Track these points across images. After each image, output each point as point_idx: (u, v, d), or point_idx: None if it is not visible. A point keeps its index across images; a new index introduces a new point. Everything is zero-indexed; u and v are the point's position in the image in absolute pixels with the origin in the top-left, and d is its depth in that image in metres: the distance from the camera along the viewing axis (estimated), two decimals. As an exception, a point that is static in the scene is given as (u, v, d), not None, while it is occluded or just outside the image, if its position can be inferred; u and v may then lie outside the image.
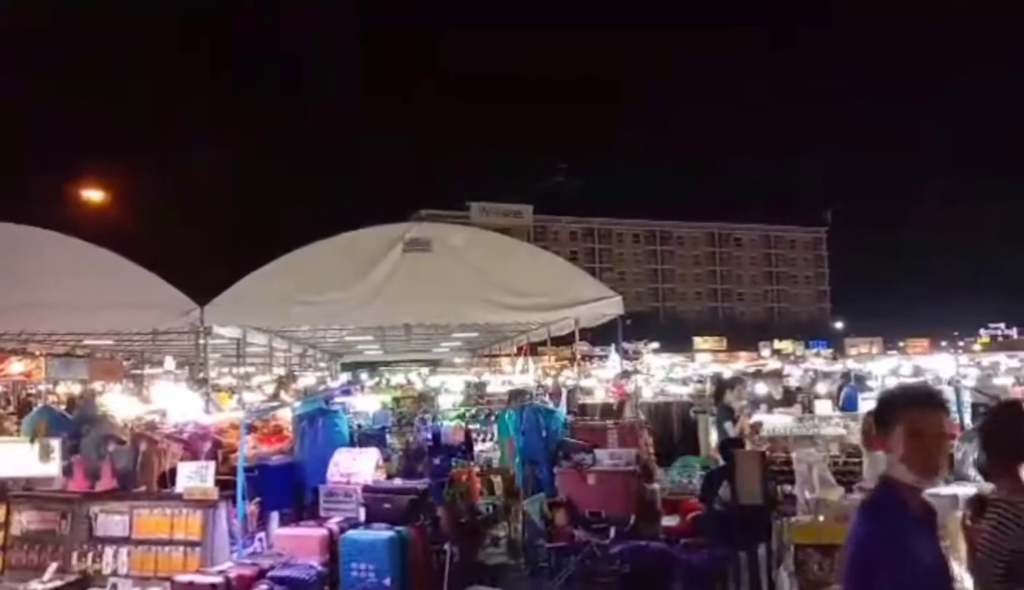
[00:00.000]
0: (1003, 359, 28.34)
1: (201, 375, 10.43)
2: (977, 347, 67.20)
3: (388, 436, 8.80)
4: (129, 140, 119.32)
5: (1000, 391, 9.21)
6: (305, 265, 10.07)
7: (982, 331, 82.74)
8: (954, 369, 17.71)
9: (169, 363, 15.81)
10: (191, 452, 7.35)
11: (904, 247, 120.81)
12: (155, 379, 15.33)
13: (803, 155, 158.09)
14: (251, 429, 8.30)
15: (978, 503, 3.52)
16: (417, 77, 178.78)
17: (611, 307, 10.67)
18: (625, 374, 13.17)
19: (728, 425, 8.26)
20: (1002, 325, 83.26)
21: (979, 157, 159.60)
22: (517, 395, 10.93)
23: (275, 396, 11.45)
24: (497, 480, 10.10)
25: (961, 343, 71.35)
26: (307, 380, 15.78)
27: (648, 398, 14.73)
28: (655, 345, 57.53)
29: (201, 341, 9.83)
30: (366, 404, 10.77)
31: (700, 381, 20.93)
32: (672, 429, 12.49)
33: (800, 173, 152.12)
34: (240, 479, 6.30)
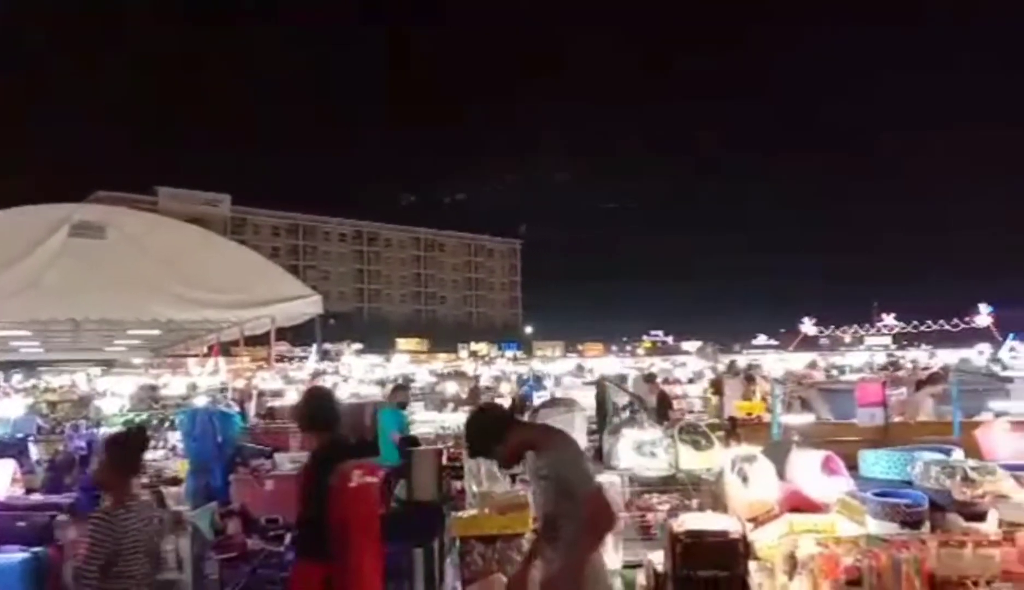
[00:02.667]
0: (658, 361, 32.38)
1: None
2: (641, 351, 76.33)
3: (32, 445, 7.71)
4: None
5: (645, 392, 10.48)
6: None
7: (645, 337, 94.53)
8: (619, 369, 19.88)
9: None
10: None
11: (586, 261, 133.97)
12: None
13: (503, 171, 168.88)
14: None
15: None
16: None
17: (311, 306, 10.36)
18: (317, 374, 12.89)
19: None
20: (661, 332, 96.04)
21: (655, 186, 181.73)
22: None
23: None
24: (170, 491, 9.35)
25: (628, 347, 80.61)
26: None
27: (342, 398, 14.59)
28: (358, 346, 57.42)
29: None
30: (7, 409, 9.35)
31: (393, 381, 21.19)
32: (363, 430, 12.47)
33: (500, 187, 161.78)
34: None
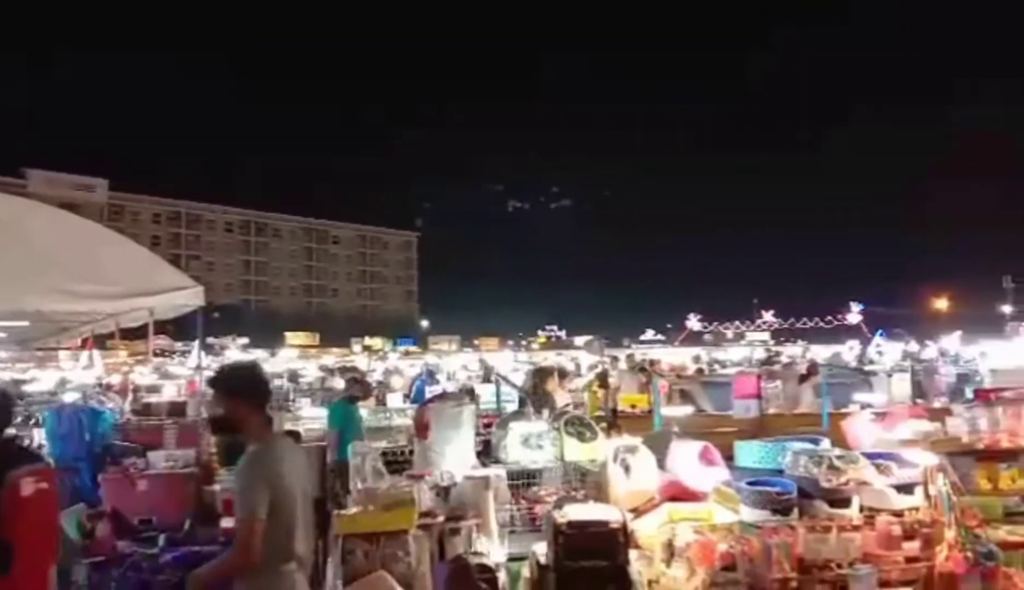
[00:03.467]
0: (552, 356, 32.88)
1: None
2: (536, 345, 77.26)
3: None
4: None
5: (527, 386, 10.54)
6: None
7: (540, 332, 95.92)
8: (512, 363, 20.03)
9: None
10: None
11: (483, 256, 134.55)
12: None
13: (399, 164, 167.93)
14: None
15: None
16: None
17: (192, 298, 9.90)
18: (198, 368, 12.36)
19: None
20: (555, 327, 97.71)
21: (550, 184, 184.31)
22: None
23: None
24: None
25: (524, 342, 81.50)
26: None
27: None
28: (244, 340, 55.52)
29: None
30: None
31: (281, 377, 20.63)
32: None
33: (396, 180, 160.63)
34: None
